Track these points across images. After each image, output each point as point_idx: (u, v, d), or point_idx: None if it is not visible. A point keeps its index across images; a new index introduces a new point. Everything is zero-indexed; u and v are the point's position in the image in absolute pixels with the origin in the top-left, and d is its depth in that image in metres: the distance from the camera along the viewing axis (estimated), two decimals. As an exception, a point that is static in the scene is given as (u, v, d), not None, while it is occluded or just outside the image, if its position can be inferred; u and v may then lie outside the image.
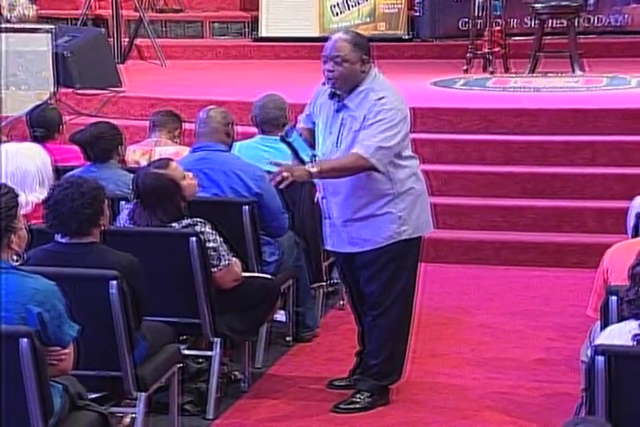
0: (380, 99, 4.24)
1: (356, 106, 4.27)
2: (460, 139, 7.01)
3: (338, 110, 4.31)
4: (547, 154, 6.92)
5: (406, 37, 9.97)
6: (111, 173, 4.91)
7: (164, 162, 4.47)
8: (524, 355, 4.98)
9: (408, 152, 4.39)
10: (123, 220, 4.39)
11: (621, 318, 3.13)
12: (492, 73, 8.73)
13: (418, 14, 9.91)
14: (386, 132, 4.21)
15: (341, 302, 5.65)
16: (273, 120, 5.32)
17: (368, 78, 4.28)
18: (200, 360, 4.42)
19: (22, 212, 3.38)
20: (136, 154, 5.64)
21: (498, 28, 8.87)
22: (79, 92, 8.13)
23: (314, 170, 4.17)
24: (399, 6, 10.06)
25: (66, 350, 3.27)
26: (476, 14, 9.05)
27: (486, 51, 8.78)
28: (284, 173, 4.12)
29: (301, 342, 5.15)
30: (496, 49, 8.78)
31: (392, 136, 4.21)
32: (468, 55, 8.83)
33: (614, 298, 3.36)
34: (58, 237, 3.78)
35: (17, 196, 3.25)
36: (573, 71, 8.59)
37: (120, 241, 3.95)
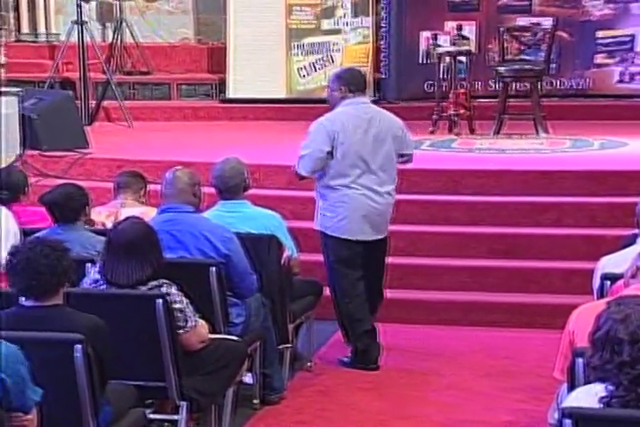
0: None
1: None
2: (426, 199, 7.05)
3: None
4: (513, 215, 6.95)
5: (373, 99, 10.06)
6: (77, 234, 4.89)
7: (137, 217, 4.48)
8: (494, 417, 4.95)
9: (339, 170, 5.35)
10: (88, 282, 4.35)
11: (588, 381, 3.12)
12: (457, 134, 8.82)
13: (384, 77, 10.02)
14: (304, 143, 5.40)
15: (309, 364, 5.62)
16: (233, 188, 5.24)
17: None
18: (166, 424, 4.36)
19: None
20: (101, 215, 5.62)
21: (462, 90, 8.98)
22: (46, 153, 8.13)
23: None
24: (365, 69, 10.16)
25: (29, 416, 3.22)
26: (440, 77, 9.16)
27: (451, 113, 8.88)
28: None
29: (269, 404, 5.10)
30: (461, 111, 8.88)
31: (307, 144, 5.38)
32: (433, 117, 8.92)
33: (580, 360, 3.35)
34: (22, 300, 3.72)
35: None
36: (537, 133, 8.70)
37: (85, 303, 3.92)
